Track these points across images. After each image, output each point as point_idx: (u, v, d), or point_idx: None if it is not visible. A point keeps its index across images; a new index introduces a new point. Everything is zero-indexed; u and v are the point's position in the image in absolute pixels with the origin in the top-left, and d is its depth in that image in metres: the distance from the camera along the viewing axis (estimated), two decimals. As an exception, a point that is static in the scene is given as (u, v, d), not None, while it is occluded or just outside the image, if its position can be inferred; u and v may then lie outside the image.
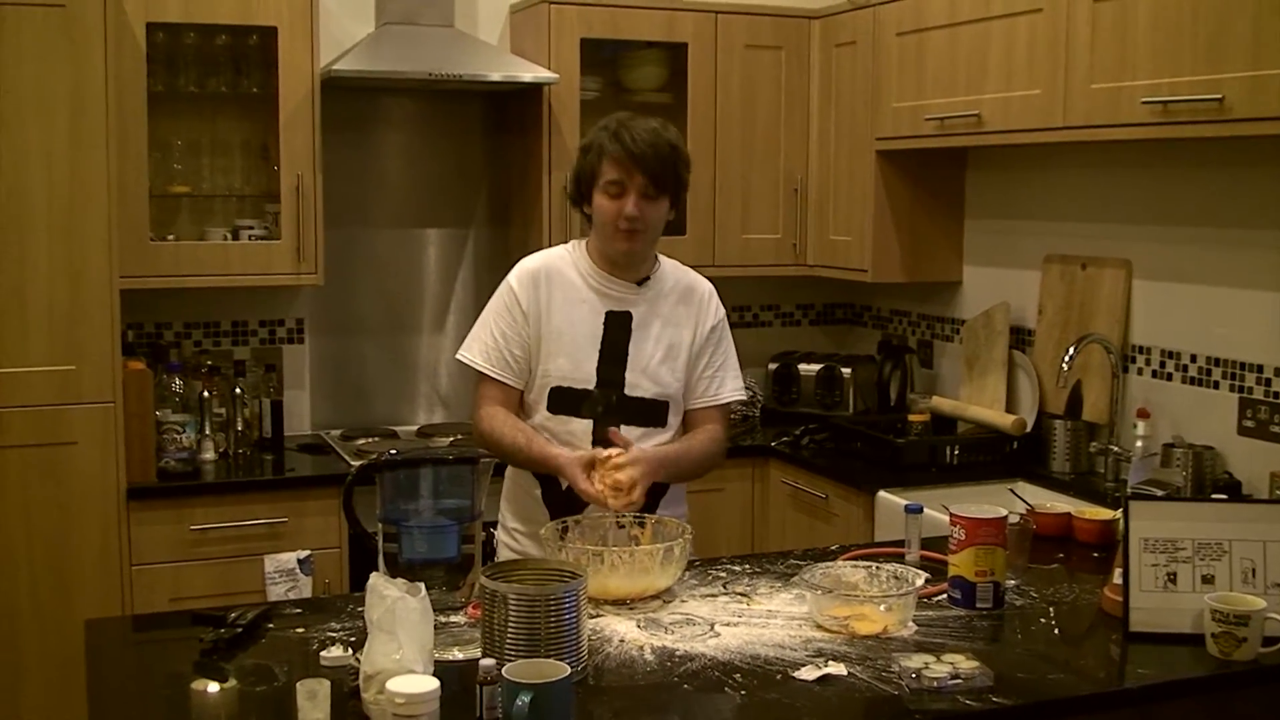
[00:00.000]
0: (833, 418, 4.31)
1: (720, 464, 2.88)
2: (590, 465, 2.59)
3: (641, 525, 2.58)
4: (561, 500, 2.74)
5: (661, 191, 2.70)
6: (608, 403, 2.74)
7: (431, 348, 4.47)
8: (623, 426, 2.74)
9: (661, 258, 2.86)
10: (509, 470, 2.89)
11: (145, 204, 3.78)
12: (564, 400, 2.75)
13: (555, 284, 2.77)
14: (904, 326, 4.65)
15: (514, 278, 2.79)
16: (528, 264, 2.81)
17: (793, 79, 4.40)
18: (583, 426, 2.74)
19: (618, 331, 2.76)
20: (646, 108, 3.97)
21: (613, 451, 2.60)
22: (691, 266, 2.92)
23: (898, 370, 4.46)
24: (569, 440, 2.74)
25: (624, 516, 2.58)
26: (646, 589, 2.44)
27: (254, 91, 3.97)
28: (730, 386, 2.86)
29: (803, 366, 4.58)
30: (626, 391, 2.75)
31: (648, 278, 2.80)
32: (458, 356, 2.82)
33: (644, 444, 2.71)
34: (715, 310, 2.86)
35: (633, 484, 2.56)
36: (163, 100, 3.86)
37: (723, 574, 2.63)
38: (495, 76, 3.98)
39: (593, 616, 2.34)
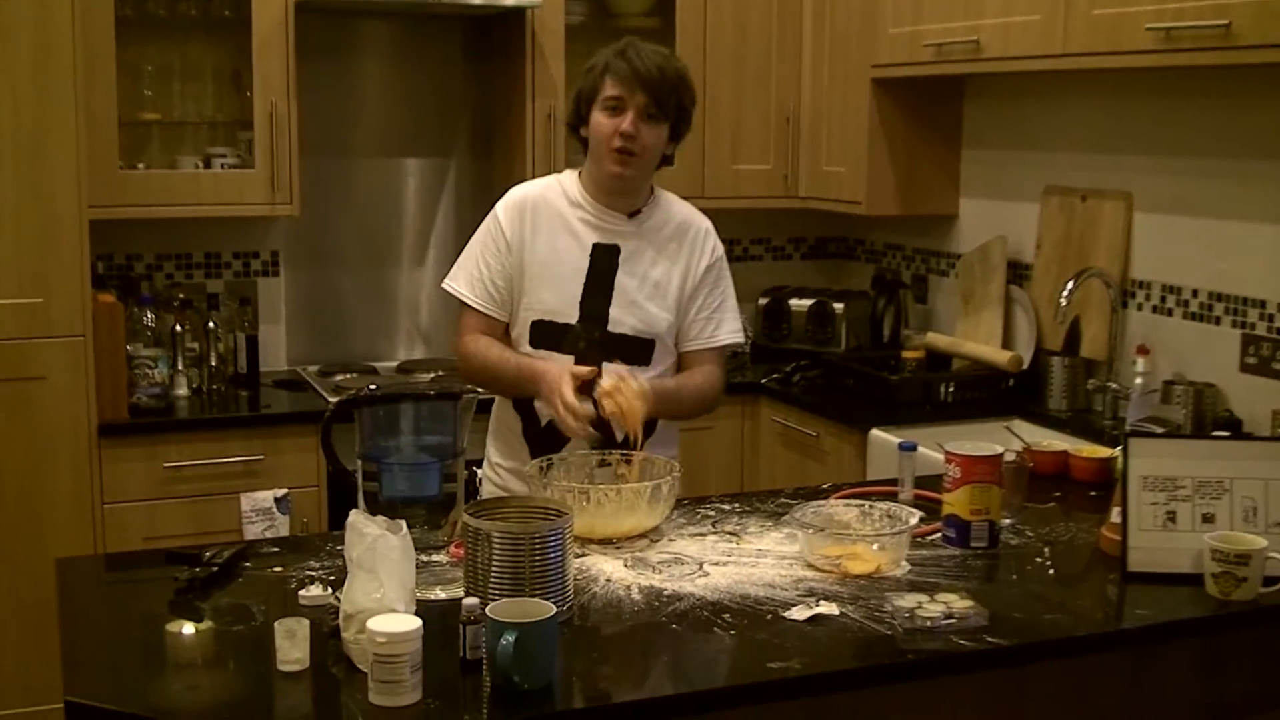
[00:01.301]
0: (825, 354, 4.31)
1: (715, 407, 2.88)
2: (579, 381, 2.57)
3: (628, 463, 2.58)
4: (542, 436, 2.75)
5: (662, 114, 2.67)
6: (590, 338, 2.73)
7: (411, 281, 4.46)
8: (604, 364, 2.73)
9: (660, 191, 2.84)
10: (495, 405, 2.89)
11: (114, 132, 3.75)
12: (545, 334, 2.74)
13: (542, 214, 2.75)
14: (898, 261, 4.64)
15: (500, 206, 2.78)
16: (515, 193, 2.79)
17: (786, 3, 4.36)
18: (564, 363, 2.72)
19: (604, 264, 2.74)
20: (633, 33, 3.92)
21: (609, 376, 2.59)
22: (680, 197, 2.89)
23: (891, 306, 4.46)
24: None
25: (609, 453, 2.58)
26: (634, 528, 2.44)
27: (226, 15, 3.93)
28: (728, 329, 2.85)
29: (794, 302, 4.57)
30: (610, 327, 2.74)
31: (640, 210, 2.78)
32: (443, 285, 2.81)
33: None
34: (712, 248, 2.84)
35: (633, 413, 2.55)
36: (131, 25, 3.81)
37: (712, 513, 2.63)
38: (477, 0, 3.94)
39: (578, 556, 2.34)
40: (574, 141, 2.80)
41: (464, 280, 2.78)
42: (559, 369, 2.61)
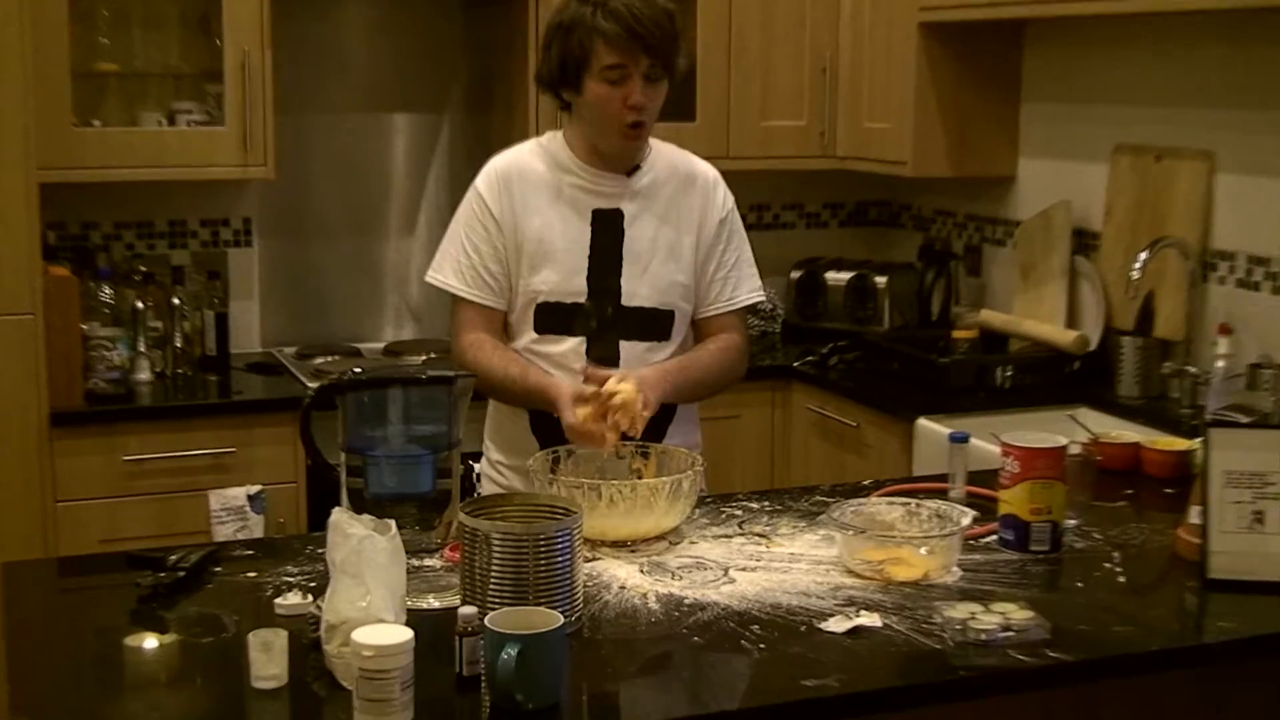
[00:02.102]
0: (865, 334, 4.31)
1: (741, 375, 2.87)
2: (582, 399, 2.57)
3: (645, 456, 2.59)
4: (554, 429, 2.74)
5: (666, 72, 2.67)
6: (602, 316, 2.73)
7: (400, 253, 4.46)
8: (621, 342, 2.74)
9: (654, 141, 2.82)
10: (491, 403, 2.89)
11: (66, 84, 3.74)
12: (552, 317, 2.74)
13: (529, 184, 2.74)
14: (949, 228, 4.63)
15: (480, 182, 2.77)
16: (494, 164, 2.78)
17: (821, -62, 4.36)
18: (575, 346, 2.73)
19: (608, 233, 2.74)
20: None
21: (609, 381, 2.58)
22: (704, 160, 2.89)
23: (941, 279, 4.45)
24: (561, 363, 2.73)
25: (623, 445, 2.58)
26: (651, 529, 2.44)
27: (191, -48, 3.93)
28: (747, 287, 2.85)
29: (830, 275, 4.57)
30: (624, 302, 2.74)
31: (637, 167, 2.77)
32: (428, 279, 2.81)
33: (647, 361, 2.71)
34: (723, 200, 2.84)
35: (633, 405, 2.55)
36: (85, -38, 3.82)
37: (738, 512, 2.63)
38: (473, -65, 3.94)
39: (589, 560, 2.34)
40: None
41: (451, 270, 2.77)
42: (565, 391, 2.60)
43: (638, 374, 2.62)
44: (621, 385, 2.55)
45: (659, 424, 2.72)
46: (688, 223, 2.79)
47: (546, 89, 2.75)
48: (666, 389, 2.66)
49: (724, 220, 2.82)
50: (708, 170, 2.85)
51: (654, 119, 2.71)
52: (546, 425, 2.74)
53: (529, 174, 2.75)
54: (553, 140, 2.79)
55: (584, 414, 2.54)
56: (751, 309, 2.91)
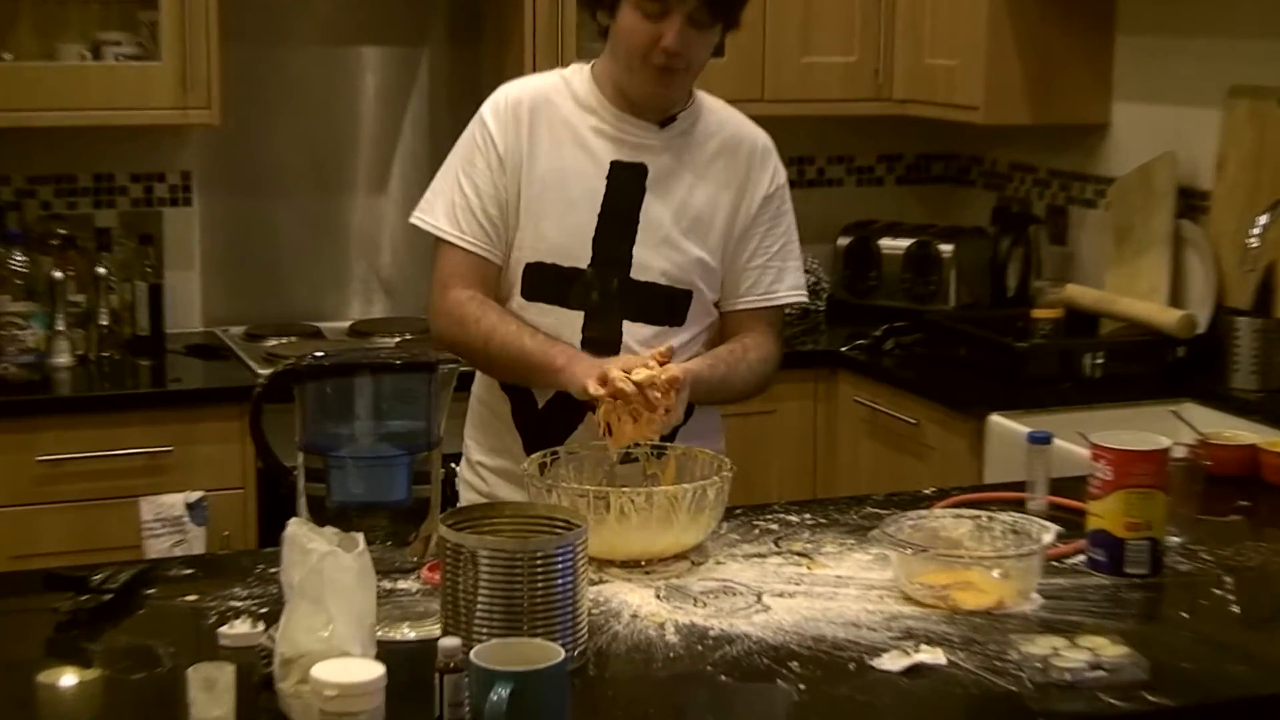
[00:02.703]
0: (927, 313, 4.31)
1: (767, 386, 2.89)
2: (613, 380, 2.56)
3: (662, 459, 2.59)
4: (539, 423, 2.76)
5: (716, 19, 2.68)
6: (606, 288, 2.74)
7: (369, 213, 4.47)
8: (625, 323, 2.75)
9: (702, 95, 2.83)
10: (474, 388, 2.89)
11: (-31, 10, 3.77)
12: (545, 282, 2.75)
13: (544, 120, 2.75)
14: (1028, 187, 4.63)
15: (487, 109, 2.78)
16: (506, 91, 2.79)
17: None
18: (570, 321, 2.74)
19: (626, 189, 2.75)
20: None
21: (655, 356, 2.59)
22: (731, 103, 2.89)
23: (1018, 248, 4.45)
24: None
25: (635, 447, 2.59)
26: (669, 546, 2.45)
27: None
28: (790, 282, 2.85)
29: (886, 242, 4.57)
30: (633, 274, 2.75)
31: (674, 118, 2.78)
32: (413, 219, 2.82)
33: (645, 353, 2.71)
34: (774, 174, 2.83)
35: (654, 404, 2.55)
36: None
37: (774, 526, 2.64)
38: None
39: (594, 583, 2.34)
40: (587, 23, 2.80)
41: (442, 211, 2.77)
42: (592, 367, 2.59)
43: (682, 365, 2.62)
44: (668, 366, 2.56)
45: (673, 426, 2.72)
46: (726, 193, 2.79)
47: (584, 4, 2.77)
48: (698, 390, 2.66)
49: (771, 197, 2.82)
50: (759, 136, 2.85)
51: (695, 69, 2.72)
52: (530, 416, 2.75)
53: (545, 107, 2.76)
54: (577, 74, 2.80)
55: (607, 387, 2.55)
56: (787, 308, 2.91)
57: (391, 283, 4.48)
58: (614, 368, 2.55)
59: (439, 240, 2.78)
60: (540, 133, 2.74)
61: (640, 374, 2.53)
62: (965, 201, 4.85)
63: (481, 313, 2.72)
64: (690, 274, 2.77)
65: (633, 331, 2.74)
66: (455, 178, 2.77)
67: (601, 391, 2.53)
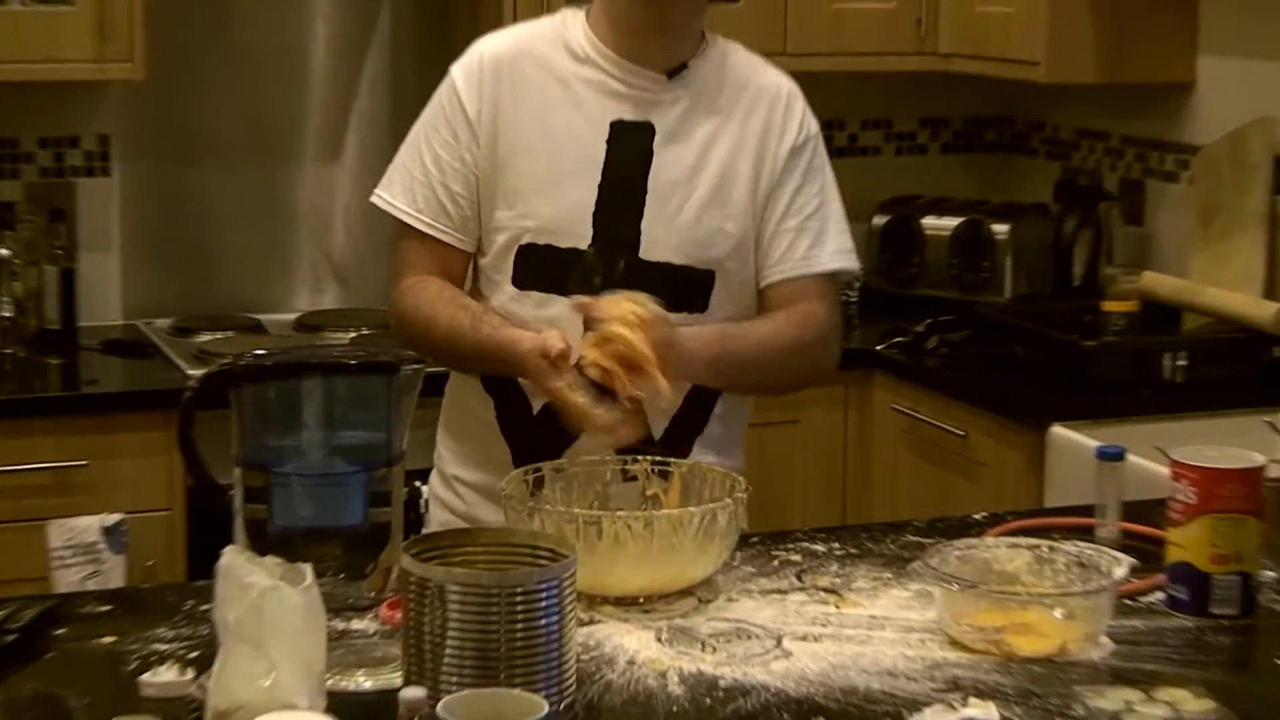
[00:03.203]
0: (979, 305, 4.33)
1: (827, 368, 2.92)
2: (560, 358, 2.56)
3: (665, 477, 2.59)
4: (532, 429, 2.76)
5: None
6: (610, 271, 2.74)
7: (320, 186, 4.49)
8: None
9: (715, 38, 2.85)
10: (450, 384, 2.91)
11: None
12: (540, 267, 2.76)
13: (527, 77, 2.77)
14: (1098, 157, 4.65)
15: (458, 70, 2.79)
16: (486, 45, 2.80)
17: None
18: (568, 313, 2.73)
19: (630, 154, 2.76)
20: None
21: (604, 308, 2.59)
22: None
23: (1087, 229, 4.47)
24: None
25: (634, 461, 2.59)
26: (673, 580, 2.44)
27: None
28: (833, 246, 2.85)
29: (929, 222, 4.59)
30: (643, 254, 2.75)
31: (684, 66, 2.79)
32: (373, 198, 2.83)
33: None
34: (803, 122, 2.85)
35: (645, 361, 2.55)
36: None
37: (796, 557, 2.64)
38: None
39: (584, 624, 2.34)
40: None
41: (401, 189, 2.79)
42: (538, 342, 2.60)
43: (658, 317, 2.59)
44: (621, 316, 2.55)
45: (683, 431, 2.73)
46: (747, 149, 2.80)
47: None
48: (700, 362, 2.66)
49: (800, 149, 2.83)
50: (783, 81, 2.86)
51: None
52: (521, 423, 2.75)
53: (529, 62, 2.77)
54: (570, 20, 2.81)
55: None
56: (836, 277, 2.90)
57: (346, 268, 4.50)
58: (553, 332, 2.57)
59: (398, 223, 2.80)
60: (524, 92, 2.75)
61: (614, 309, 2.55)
62: (1023, 174, 4.86)
63: (418, 300, 2.74)
64: (712, 250, 2.78)
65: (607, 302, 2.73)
66: (418, 149, 2.79)
67: (557, 342, 2.55)
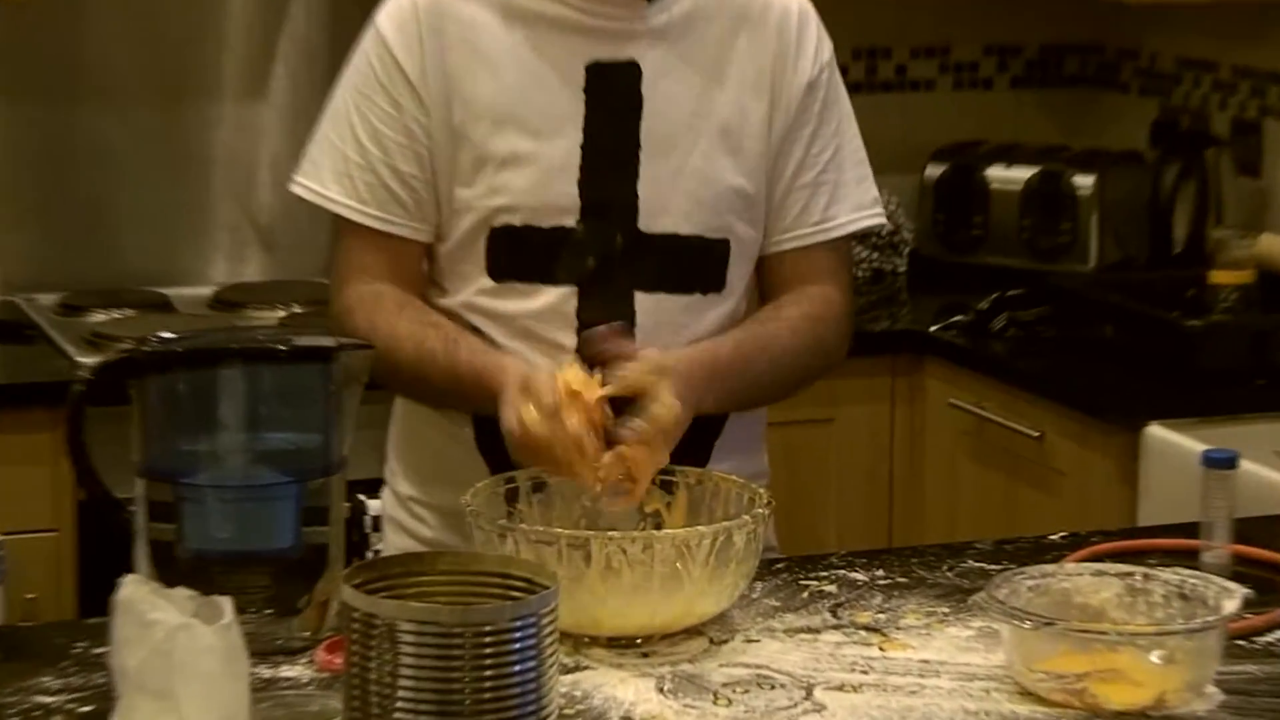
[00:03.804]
0: (1055, 275, 4.34)
1: (835, 362, 2.90)
2: (527, 390, 2.54)
3: (668, 488, 2.60)
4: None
5: None
6: (605, 249, 2.75)
7: (240, 129, 4.51)
8: (639, 295, 2.76)
9: None
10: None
11: None
12: (518, 253, 2.76)
13: (474, 23, 2.75)
14: (1204, 92, 4.66)
15: (385, 20, 2.78)
16: None
17: None
18: (559, 303, 2.75)
19: (615, 100, 2.77)
20: None
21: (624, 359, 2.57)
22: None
23: (1190, 181, 4.48)
24: (533, 332, 2.75)
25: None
26: (678, 616, 2.45)
27: None
28: (853, 201, 2.86)
29: (997, 173, 4.61)
30: (642, 224, 2.76)
31: None
32: (296, 188, 2.83)
33: (675, 339, 2.73)
34: (817, 48, 2.84)
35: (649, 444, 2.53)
36: None
37: (831, 588, 2.64)
38: None
39: (567, 670, 2.34)
40: None
41: (334, 175, 2.79)
42: (514, 374, 2.58)
43: (670, 364, 2.59)
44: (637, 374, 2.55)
45: (699, 440, 2.72)
46: (756, 86, 2.80)
47: None
48: (703, 395, 2.64)
49: (815, 83, 2.83)
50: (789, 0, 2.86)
51: None
52: (496, 440, 2.74)
53: (473, 3, 2.76)
54: None
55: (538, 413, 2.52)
56: (859, 238, 2.92)
57: (273, 230, 4.52)
58: (536, 380, 2.53)
59: (333, 218, 2.81)
60: (474, 40, 2.75)
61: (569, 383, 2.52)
62: (1112, 113, 4.87)
63: (374, 318, 2.73)
64: (725, 213, 2.79)
65: (650, 307, 2.75)
66: (348, 123, 2.78)
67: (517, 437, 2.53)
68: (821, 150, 2.84)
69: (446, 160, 2.75)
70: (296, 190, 2.82)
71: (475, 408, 2.72)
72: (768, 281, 2.87)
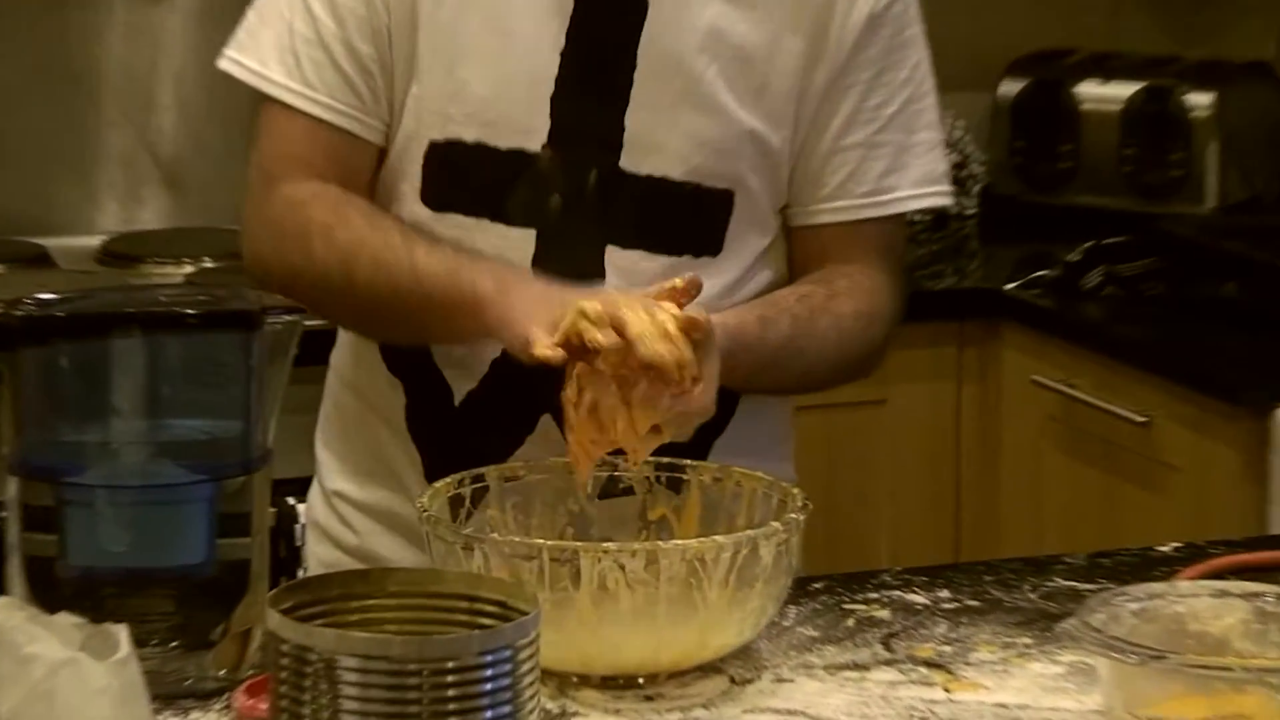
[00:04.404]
0: (1164, 219, 4.34)
1: (875, 365, 2.92)
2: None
3: (677, 487, 2.60)
4: (457, 427, 2.79)
5: None
6: (575, 186, 2.76)
7: (134, 38, 4.53)
8: (610, 251, 2.78)
9: None
10: (336, 353, 2.95)
11: None
12: (464, 177, 2.79)
13: None
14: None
15: None
16: None
17: None
18: (511, 248, 2.76)
19: (607, 12, 2.79)
20: None
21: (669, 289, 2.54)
22: None
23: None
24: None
25: (629, 473, 2.59)
26: (691, 651, 2.45)
27: None
28: (919, 172, 2.87)
29: (1090, 90, 4.63)
30: (625, 162, 2.77)
31: None
32: (224, 63, 2.84)
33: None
34: None
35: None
36: None
37: (883, 613, 2.65)
38: None
39: (553, 716, 2.35)
40: None
41: (276, 49, 2.80)
42: (545, 303, 2.56)
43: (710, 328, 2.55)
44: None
45: (695, 437, 2.70)
46: (791, 11, 2.81)
47: None
48: (742, 362, 2.64)
49: (878, 19, 2.83)
50: None
51: None
52: (444, 418, 2.79)
53: None
54: None
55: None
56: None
57: (178, 166, 4.55)
58: (588, 301, 2.49)
59: (266, 100, 2.81)
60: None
61: (636, 316, 2.47)
62: (1235, 15, 4.87)
63: (336, 218, 2.74)
64: (734, 160, 2.79)
65: (625, 267, 2.77)
66: None
67: (558, 353, 2.49)
68: (883, 104, 2.84)
69: (405, 41, 2.77)
70: (226, 67, 2.82)
71: (438, 333, 2.74)
72: (797, 260, 2.88)
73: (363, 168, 2.80)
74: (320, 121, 2.77)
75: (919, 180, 2.87)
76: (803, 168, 2.84)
